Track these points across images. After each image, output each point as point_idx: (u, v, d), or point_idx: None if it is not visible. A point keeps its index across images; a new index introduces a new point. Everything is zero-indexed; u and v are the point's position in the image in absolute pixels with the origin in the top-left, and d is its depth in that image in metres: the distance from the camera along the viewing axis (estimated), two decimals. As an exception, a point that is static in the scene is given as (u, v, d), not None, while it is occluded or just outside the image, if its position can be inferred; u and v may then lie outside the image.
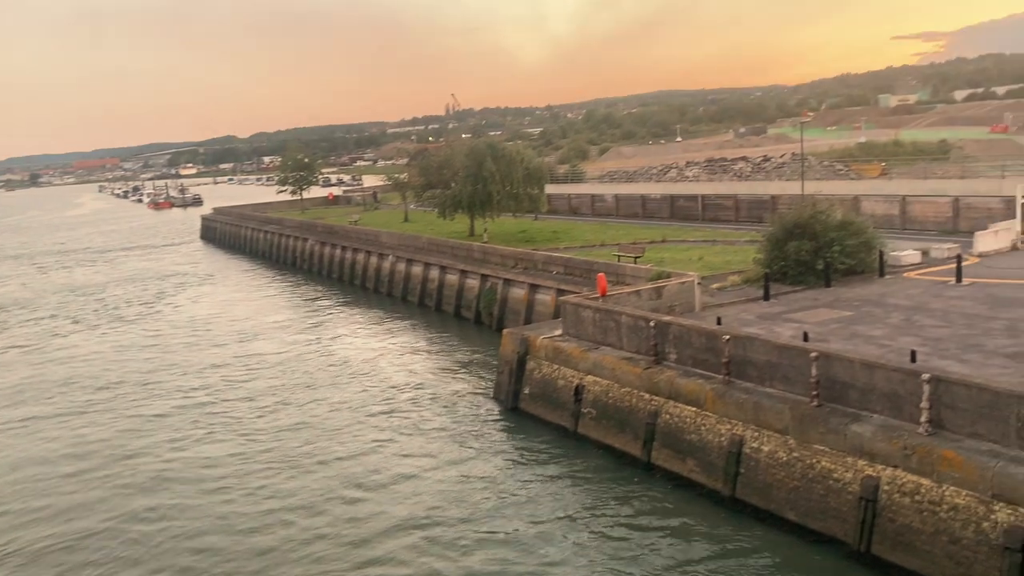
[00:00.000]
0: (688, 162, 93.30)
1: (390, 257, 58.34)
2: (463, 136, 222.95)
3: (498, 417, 29.52)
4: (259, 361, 40.74)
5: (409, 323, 48.13)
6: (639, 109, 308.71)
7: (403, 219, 76.35)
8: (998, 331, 23.53)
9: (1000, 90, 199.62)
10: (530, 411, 28.88)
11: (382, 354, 40.65)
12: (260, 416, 31.81)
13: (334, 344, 43.69)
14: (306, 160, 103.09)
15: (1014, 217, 37.14)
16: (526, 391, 29.29)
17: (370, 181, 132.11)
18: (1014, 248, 36.14)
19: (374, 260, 61.09)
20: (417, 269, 54.32)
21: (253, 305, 58.11)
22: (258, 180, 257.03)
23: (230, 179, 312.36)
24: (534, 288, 41.27)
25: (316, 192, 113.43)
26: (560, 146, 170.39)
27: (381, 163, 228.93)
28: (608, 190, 71.96)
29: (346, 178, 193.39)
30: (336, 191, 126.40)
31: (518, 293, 42.52)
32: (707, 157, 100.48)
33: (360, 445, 27.81)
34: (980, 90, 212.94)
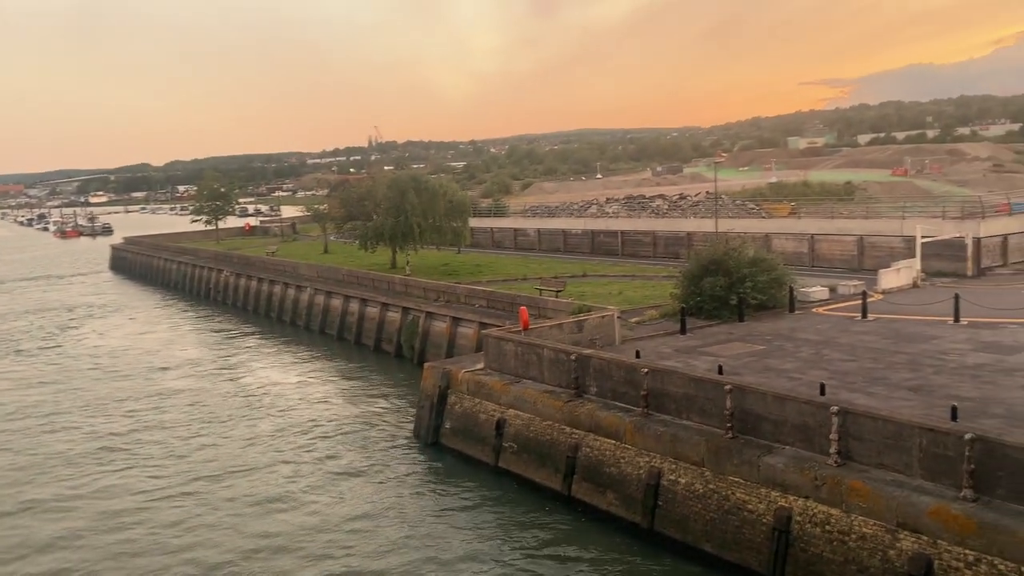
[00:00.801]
0: (608, 198, 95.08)
1: (308, 289, 57.36)
2: (386, 168, 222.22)
3: (418, 452, 29.13)
4: (168, 396, 39.28)
5: (327, 357, 47.26)
6: (561, 146, 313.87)
7: (323, 251, 75.29)
8: (901, 365, 24.56)
9: (900, 135, 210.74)
10: (451, 446, 28.60)
11: (298, 389, 39.74)
12: (168, 453, 30.59)
13: (248, 378, 42.51)
14: (223, 190, 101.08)
15: (914, 256, 39.04)
16: (447, 426, 29.02)
17: (289, 212, 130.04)
18: (915, 285, 37.92)
19: (292, 292, 59.95)
20: (336, 302, 53.51)
21: (164, 337, 56.15)
22: (172, 209, 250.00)
23: (143, 208, 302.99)
24: (456, 321, 41.14)
25: (233, 222, 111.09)
26: (484, 180, 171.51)
27: (301, 194, 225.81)
28: (530, 224, 72.67)
29: (264, 208, 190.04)
30: (253, 221, 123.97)
31: (440, 326, 42.30)
32: (626, 194, 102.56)
33: (272, 483, 26.99)
34: (882, 135, 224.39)
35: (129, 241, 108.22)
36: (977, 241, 40.48)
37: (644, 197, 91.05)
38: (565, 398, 24.54)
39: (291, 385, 40.53)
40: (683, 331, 31.00)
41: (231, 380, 42.25)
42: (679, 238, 56.19)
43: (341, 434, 31.73)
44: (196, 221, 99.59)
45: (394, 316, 46.69)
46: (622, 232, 61.46)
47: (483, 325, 36.84)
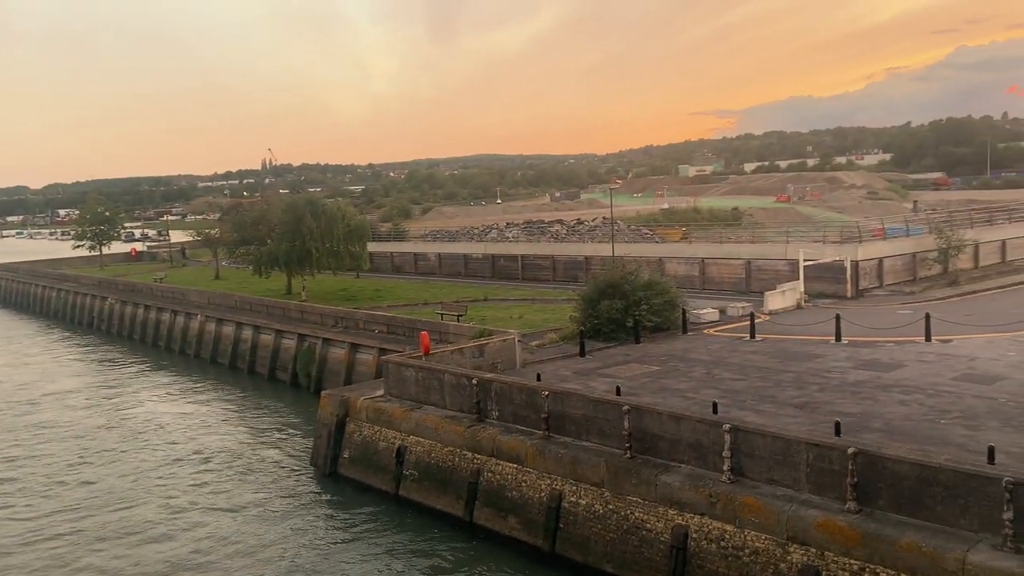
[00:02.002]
0: (508, 223, 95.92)
1: (199, 317, 55.31)
2: (281, 192, 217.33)
3: (314, 483, 28.35)
4: (45, 429, 36.99)
5: (218, 386, 45.57)
6: (461, 171, 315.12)
7: (214, 276, 72.87)
8: (788, 383, 25.61)
9: (783, 164, 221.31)
10: (350, 476, 27.97)
11: (186, 420, 38.13)
12: (45, 488, 28.74)
13: (133, 410, 40.51)
14: (107, 214, 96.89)
15: (798, 278, 40.92)
16: (345, 455, 28.38)
17: (178, 237, 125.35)
18: (798, 306, 39.71)
19: (181, 320, 57.66)
20: (228, 329, 51.78)
21: (41, 369, 52.94)
22: (52, 234, 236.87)
23: (19, 232, 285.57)
24: (355, 348, 40.44)
25: (118, 248, 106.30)
26: (383, 204, 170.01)
27: (191, 218, 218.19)
28: (431, 249, 72.46)
29: (152, 233, 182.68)
30: (140, 247, 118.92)
31: (338, 353, 41.48)
32: (526, 219, 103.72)
33: (153, 519, 25.72)
34: (766, 163, 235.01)
35: (4, 268, 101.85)
36: (855, 264, 42.79)
37: (543, 222, 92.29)
38: (467, 423, 24.42)
39: (179, 416, 38.84)
40: (582, 353, 31.44)
41: (114, 412, 40.15)
42: (577, 262, 57.13)
43: (232, 466, 30.57)
44: (79, 246, 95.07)
45: (289, 343, 45.52)
46: (522, 256, 62.03)
47: (383, 351, 36.34)
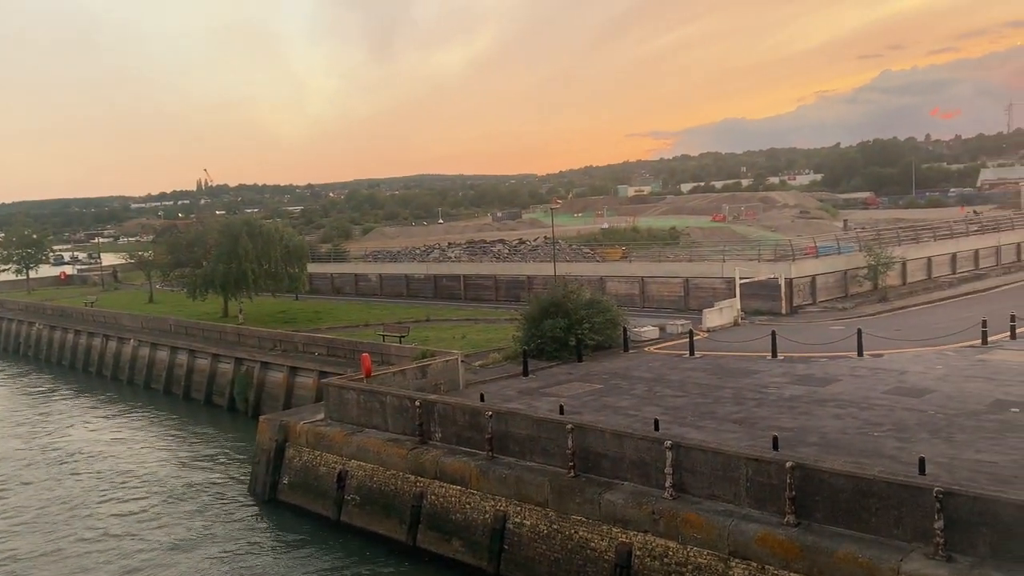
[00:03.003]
0: (450, 243, 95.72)
1: (132, 341, 53.74)
2: (217, 213, 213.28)
3: (253, 510, 27.66)
4: (-33, 463, 35.34)
5: (153, 413, 44.25)
6: (402, 191, 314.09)
7: (148, 300, 70.94)
8: (727, 399, 26.01)
9: (718, 184, 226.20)
10: (289, 502, 27.38)
11: (118, 447, 36.90)
12: (-34, 528, 27.40)
13: (63, 439, 39.03)
14: (34, 236, 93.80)
15: (734, 296, 41.74)
16: (285, 481, 27.79)
17: (110, 259, 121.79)
18: (736, 323, 40.48)
19: (113, 345, 55.95)
20: (163, 354, 50.42)
21: (-38, 399, 50.66)
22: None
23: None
24: (294, 371, 39.75)
25: (47, 271, 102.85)
26: (322, 225, 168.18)
27: (124, 240, 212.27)
28: (372, 269, 71.81)
29: (82, 256, 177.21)
30: (69, 270, 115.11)
31: (276, 377, 40.70)
32: (468, 239, 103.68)
33: (86, 551, 24.74)
34: (702, 184, 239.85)
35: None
36: (789, 282, 43.85)
37: (485, 242, 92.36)
38: (409, 446, 24.16)
39: (111, 444, 37.56)
40: (525, 373, 31.46)
41: (42, 441, 38.62)
42: (520, 282, 57.31)
43: (166, 495, 29.64)
44: (4, 270, 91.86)
45: (226, 367, 44.52)
46: (464, 276, 61.94)
47: (323, 374, 35.80)
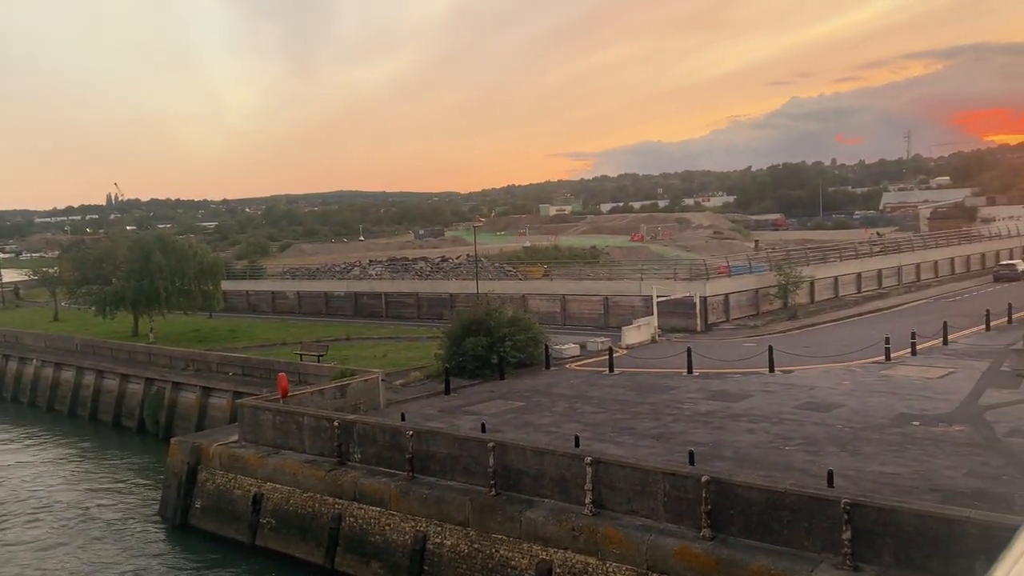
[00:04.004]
0: (371, 260, 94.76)
1: (34, 361, 51.28)
2: (127, 228, 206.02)
3: (163, 536, 26.65)
4: None
5: (57, 436, 42.23)
6: (322, 207, 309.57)
7: (52, 318, 67.79)
8: (645, 415, 26.45)
9: (636, 205, 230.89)
10: (202, 526, 26.48)
11: (19, 473, 35.04)
12: None
13: (-44, 466, 36.84)
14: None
15: (652, 314, 42.57)
16: (197, 504, 26.88)
17: (12, 276, 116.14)
18: (653, 340, 41.27)
19: (14, 365, 53.32)
20: (68, 374, 48.28)
21: None
22: None
23: None
24: (207, 391, 38.59)
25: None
26: (238, 241, 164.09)
27: (27, 255, 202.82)
28: (290, 287, 70.47)
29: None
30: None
31: (189, 397, 39.44)
32: (389, 256, 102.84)
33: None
34: (620, 204, 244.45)
35: None
36: (704, 300, 45.02)
37: (407, 259, 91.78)
38: (327, 467, 23.71)
39: (10, 468, 35.64)
40: (447, 391, 31.33)
41: (-68, 470, 36.37)
42: (442, 299, 57.13)
43: (70, 521, 28.28)
44: None
45: (136, 388, 42.92)
46: (386, 294, 61.40)
47: (238, 394, 34.85)
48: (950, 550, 14.00)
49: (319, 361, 37.74)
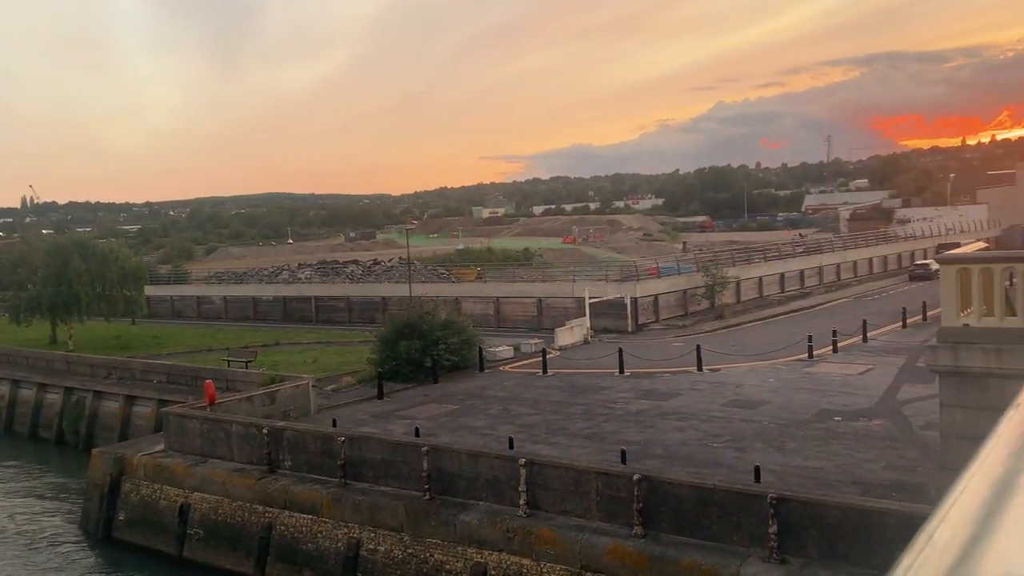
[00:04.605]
0: (300, 264, 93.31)
1: (-57, 372, 48.81)
2: (44, 232, 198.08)
3: (86, 550, 25.72)
4: None
5: (-32, 450, 40.31)
6: (249, 210, 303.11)
7: (-38, 326, 64.76)
8: (578, 415, 26.71)
9: (568, 207, 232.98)
10: (126, 539, 25.65)
11: (-72, 491, 33.35)
12: None
13: None
14: None
15: (584, 315, 43.01)
16: (121, 517, 26.01)
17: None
18: (586, 341, 41.69)
19: (-80, 376, 50.60)
20: (-20, 385, 46.11)
21: None
22: None
23: None
24: (131, 400, 37.39)
25: None
26: (162, 245, 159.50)
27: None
28: (216, 292, 68.83)
29: None
30: None
31: (111, 407, 38.14)
32: (319, 259, 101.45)
33: None
34: (553, 206, 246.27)
35: None
36: (634, 301, 45.68)
37: (338, 262, 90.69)
38: (257, 475, 23.24)
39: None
40: (380, 396, 31.06)
41: None
42: (374, 303, 56.57)
43: (-15, 540, 27.03)
44: None
45: (54, 398, 41.30)
46: (316, 298, 60.50)
47: (163, 403, 33.81)
48: (871, 540, 14.53)
49: (247, 367, 36.95)
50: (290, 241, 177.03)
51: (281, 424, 24.25)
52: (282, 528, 22.03)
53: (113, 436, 36.12)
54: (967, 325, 11.84)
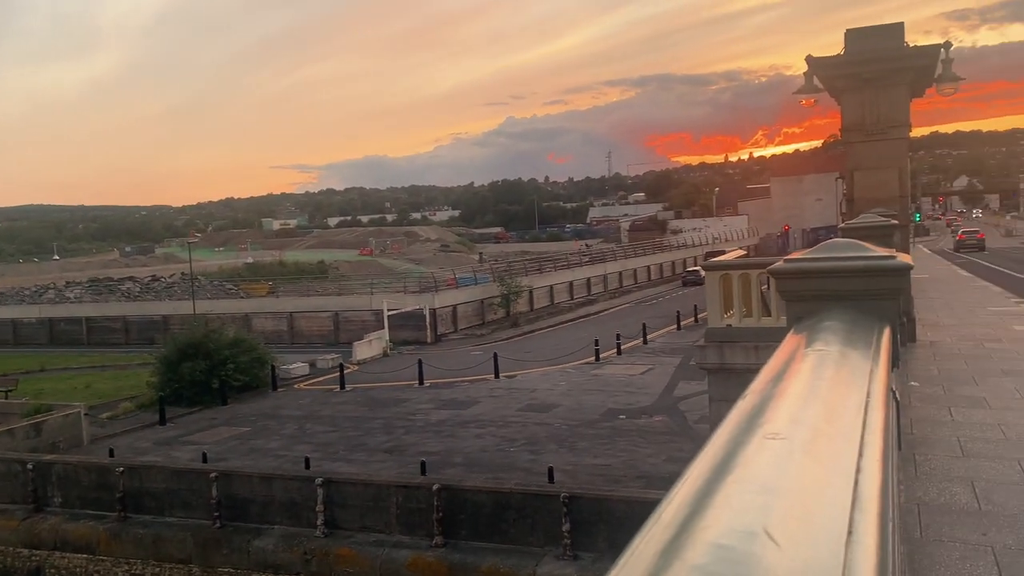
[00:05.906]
0: (68, 282, 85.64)
1: None
2: None
3: None
4: None
5: None
6: (7, 223, 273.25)
7: None
8: (377, 429, 26.48)
9: (365, 219, 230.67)
10: None
11: None
12: None
13: None
14: None
15: (383, 327, 42.75)
16: None
17: None
18: (385, 354, 41.45)
19: None
20: None
21: None
22: None
23: None
24: None
25: None
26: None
27: None
28: (-34, 315, 61.36)
29: None
30: None
31: None
32: (91, 276, 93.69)
33: None
34: (349, 218, 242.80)
35: None
36: (433, 312, 46.06)
37: (112, 279, 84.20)
38: (21, 515, 20.99)
39: None
40: (163, 421, 29.16)
41: None
42: (154, 322, 53.03)
43: None
44: None
45: None
46: (87, 319, 55.73)
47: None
48: (653, 529, 15.57)
49: (7, 397, 33.26)
50: (56, 257, 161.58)
51: (49, 458, 22.09)
52: (52, 572, 20.04)
53: None
54: (730, 326, 13.02)
